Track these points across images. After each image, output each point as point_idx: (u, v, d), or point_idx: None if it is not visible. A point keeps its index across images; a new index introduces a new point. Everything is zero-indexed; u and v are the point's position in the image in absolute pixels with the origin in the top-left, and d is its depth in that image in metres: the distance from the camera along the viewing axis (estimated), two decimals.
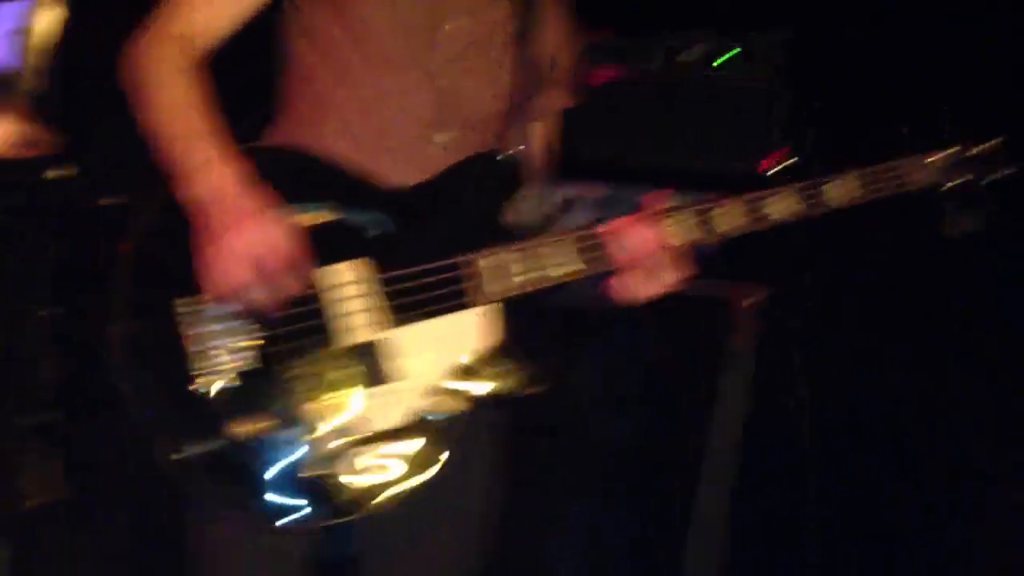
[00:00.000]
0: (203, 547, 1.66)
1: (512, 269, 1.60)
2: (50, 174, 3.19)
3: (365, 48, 1.65)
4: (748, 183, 2.68)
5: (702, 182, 2.65)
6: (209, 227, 1.48)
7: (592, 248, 1.62)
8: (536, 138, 1.81)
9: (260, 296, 1.48)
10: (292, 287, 1.50)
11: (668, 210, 1.64)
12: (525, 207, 1.67)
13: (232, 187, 1.50)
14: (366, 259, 1.57)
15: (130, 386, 1.49)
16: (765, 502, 2.81)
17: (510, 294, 1.60)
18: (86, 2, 4.26)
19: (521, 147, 1.70)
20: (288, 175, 1.57)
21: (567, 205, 2.73)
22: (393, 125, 1.67)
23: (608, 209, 2.71)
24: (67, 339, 3.23)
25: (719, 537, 2.72)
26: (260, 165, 1.55)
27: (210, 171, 1.50)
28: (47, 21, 4.28)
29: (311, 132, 1.68)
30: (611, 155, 2.80)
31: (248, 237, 1.46)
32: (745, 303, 2.76)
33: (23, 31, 4.28)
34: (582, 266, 1.61)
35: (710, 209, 1.64)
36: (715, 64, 2.92)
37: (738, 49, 2.84)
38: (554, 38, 1.79)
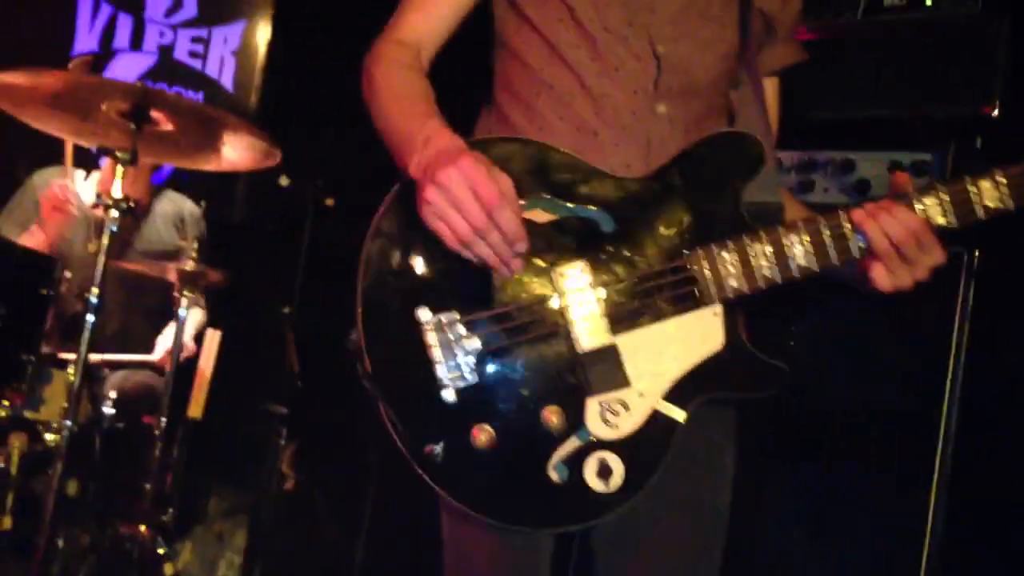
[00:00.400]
0: (454, 537, 1.68)
1: (753, 262, 1.51)
2: (282, 181, 3.45)
3: (583, 21, 1.64)
4: (973, 130, 2.55)
5: (923, 134, 2.55)
6: (428, 175, 1.46)
7: (843, 235, 1.50)
8: (765, 99, 1.72)
9: (479, 228, 1.43)
10: (510, 224, 1.43)
11: (921, 191, 1.50)
12: (762, 184, 1.56)
13: (452, 147, 1.49)
14: (598, 257, 1.53)
15: (375, 387, 1.51)
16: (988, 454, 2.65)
17: (750, 289, 1.51)
18: (293, 23, 4.55)
19: (749, 114, 1.63)
20: (515, 169, 1.52)
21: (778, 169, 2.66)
22: (614, 98, 1.63)
23: (816, 174, 2.65)
24: (307, 334, 3.46)
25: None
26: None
27: (429, 141, 1.52)
28: (261, 41, 4.58)
29: (530, 116, 1.67)
30: (824, 115, 2.72)
31: (462, 168, 1.42)
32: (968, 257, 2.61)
33: (240, 52, 4.61)
34: (833, 256, 1.50)
35: (967, 187, 1.48)
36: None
37: None
38: None
